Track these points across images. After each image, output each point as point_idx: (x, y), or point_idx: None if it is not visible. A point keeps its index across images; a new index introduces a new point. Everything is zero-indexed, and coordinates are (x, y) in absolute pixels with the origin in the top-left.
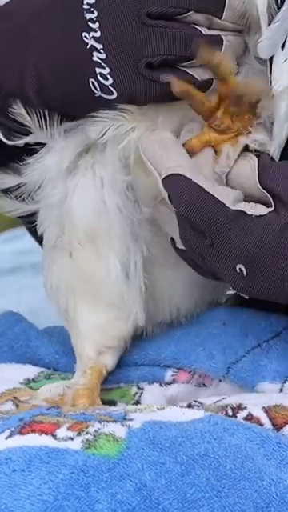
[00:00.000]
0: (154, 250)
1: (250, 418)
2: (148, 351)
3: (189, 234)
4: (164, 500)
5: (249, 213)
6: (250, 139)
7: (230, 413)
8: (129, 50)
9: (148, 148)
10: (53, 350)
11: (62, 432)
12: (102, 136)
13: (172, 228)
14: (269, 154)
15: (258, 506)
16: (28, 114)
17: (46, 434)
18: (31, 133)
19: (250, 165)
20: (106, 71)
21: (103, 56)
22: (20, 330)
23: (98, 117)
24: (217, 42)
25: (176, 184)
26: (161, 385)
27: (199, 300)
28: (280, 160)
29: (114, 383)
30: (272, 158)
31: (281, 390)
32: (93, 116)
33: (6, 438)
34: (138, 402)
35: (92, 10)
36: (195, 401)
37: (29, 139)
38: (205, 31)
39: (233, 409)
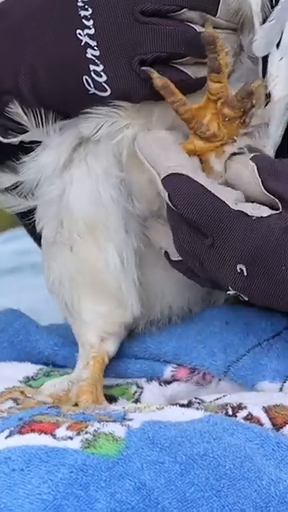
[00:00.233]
0: (145, 248)
1: (249, 417)
2: (149, 344)
3: (187, 236)
4: (163, 499)
5: (250, 214)
6: (235, 147)
7: (230, 412)
8: (122, 47)
9: (145, 147)
10: (52, 343)
11: (61, 431)
12: (96, 133)
13: (167, 242)
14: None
15: (257, 505)
16: (24, 112)
17: (45, 433)
18: (27, 131)
19: (248, 169)
20: (100, 68)
21: (97, 53)
22: (20, 326)
23: (91, 113)
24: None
25: (177, 183)
26: (160, 384)
27: (192, 299)
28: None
29: (113, 375)
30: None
31: (281, 390)
32: (87, 112)
33: (6, 438)
34: (137, 401)
35: (86, 7)
36: (195, 398)
37: (24, 137)
38: (199, 29)
39: (233, 408)
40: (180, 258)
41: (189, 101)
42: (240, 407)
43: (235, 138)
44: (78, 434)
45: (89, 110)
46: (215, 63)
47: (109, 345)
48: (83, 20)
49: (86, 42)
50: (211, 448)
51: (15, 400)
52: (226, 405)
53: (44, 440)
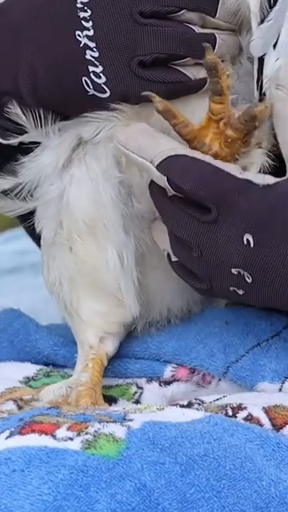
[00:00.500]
0: (145, 249)
1: (249, 418)
2: (149, 344)
3: (186, 219)
4: (164, 500)
5: (256, 182)
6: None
7: (230, 413)
8: (121, 48)
9: (129, 140)
10: (52, 342)
11: (61, 432)
12: (95, 136)
13: (168, 243)
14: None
15: (257, 506)
16: (23, 112)
17: (45, 434)
18: (26, 132)
19: None
20: (99, 69)
21: (96, 54)
22: (20, 325)
23: (91, 117)
24: (210, 40)
25: (177, 163)
26: (160, 384)
27: (191, 300)
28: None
29: (112, 375)
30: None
31: (280, 390)
32: (86, 116)
33: (6, 438)
34: (137, 402)
35: (85, 8)
36: (195, 398)
37: (23, 138)
38: (198, 30)
39: (233, 409)
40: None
41: (189, 102)
42: (240, 408)
43: (237, 157)
44: (79, 434)
45: (88, 114)
46: (217, 86)
47: (108, 345)
48: (82, 21)
49: (85, 44)
50: (211, 449)
51: (16, 401)
52: (226, 405)
53: (44, 441)
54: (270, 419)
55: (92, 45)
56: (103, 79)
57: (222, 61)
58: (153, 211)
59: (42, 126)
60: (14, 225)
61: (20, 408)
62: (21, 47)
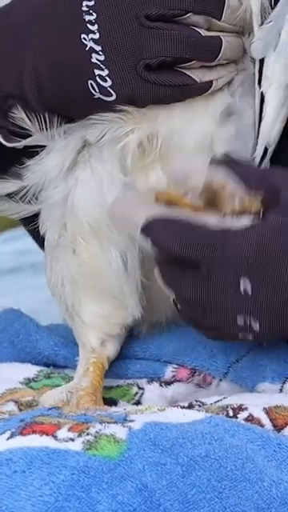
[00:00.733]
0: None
1: (250, 418)
2: (149, 345)
3: (182, 280)
4: (165, 501)
5: (236, 228)
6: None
7: (231, 413)
8: (127, 51)
9: (117, 211)
10: (52, 343)
11: (62, 433)
12: (101, 139)
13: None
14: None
15: (258, 507)
16: (28, 116)
17: (46, 434)
18: (30, 135)
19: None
20: (105, 73)
21: (102, 58)
22: (20, 325)
23: (96, 119)
24: (216, 43)
25: (158, 226)
26: (161, 385)
27: None
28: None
29: (113, 376)
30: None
31: (281, 390)
32: (91, 119)
33: (7, 439)
34: (138, 402)
35: (91, 11)
36: (196, 400)
37: (28, 141)
38: (204, 33)
39: (233, 409)
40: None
41: (193, 104)
42: (241, 408)
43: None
44: (80, 435)
45: (93, 117)
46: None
47: (109, 348)
48: (88, 24)
49: (90, 47)
50: (213, 449)
51: (16, 402)
52: (227, 406)
53: (45, 441)
54: (270, 420)
55: (98, 48)
56: (109, 82)
57: (227, 63)
58: None
59: (46, 129)
60: (14, 225)
61: (21, 410)
62: (23, 49)
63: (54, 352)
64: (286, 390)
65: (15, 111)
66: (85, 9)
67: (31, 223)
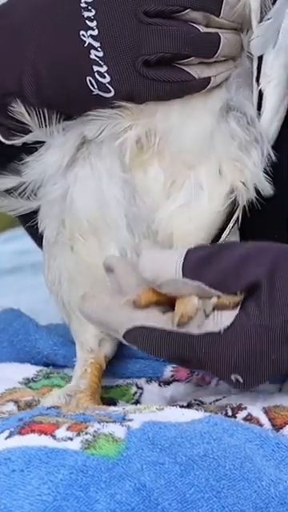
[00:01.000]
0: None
1: (249, 418)
2: None
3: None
4: (163, 500)
5: (215, 330)
6: None
7: (230, 413)
8: (126, 48)
9: (92, 314)
10: (51, 342)
11: (61, 432)
12: (99, 135)
13: None
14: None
15: (257, 506)
16: (27, 112)
17: (45, 434)
18: (29, 131)
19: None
20: (104, 69)
21: (101, 54)
22: (19, 325)
23: (94, 115)
24: (215, 39)
25: (140, 335)
26: (160, 385)
27: None
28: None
29: (112, 375)
30: None
31: (280, 390)
32: (89, 115)
33: (6, 439)
34: (137, 402)
35: (90, 8)
36: (195, 399)
37: (28, 138)
38: (202, 29)
39: (232, 409)
40: None
41: (191, 101)
42: (240, 408)
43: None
44: (78, 434)
45: (91, 113)
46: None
47: (107, 347)
48: (86, 21)
49: (89, 43)
50: (211, 449)
51: (16, 402)
52: (226, 406)
53: (44, 441)
54: (269, 419)
55: (96, 44)
56: (108, 79)
57: (226, 60)
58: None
59: (46, 126)
60: (14, 225)
61: (21, 410)
62: (23, 47)
63: (53, 351)
64: (285, 390)
65: (15, 105)
66: (83, 5)
67: (29, 221)
